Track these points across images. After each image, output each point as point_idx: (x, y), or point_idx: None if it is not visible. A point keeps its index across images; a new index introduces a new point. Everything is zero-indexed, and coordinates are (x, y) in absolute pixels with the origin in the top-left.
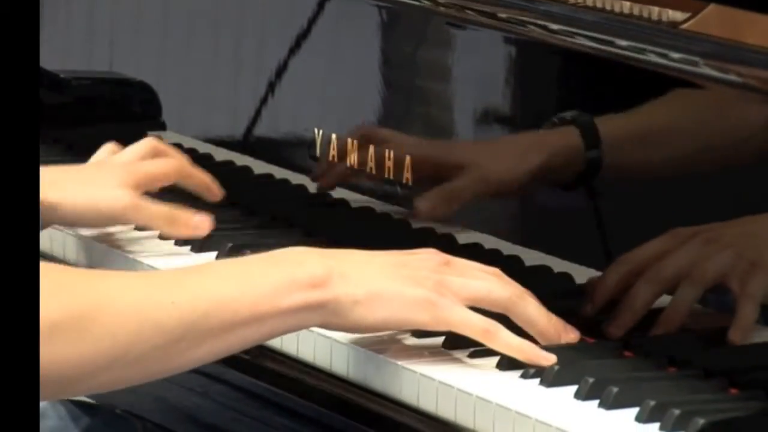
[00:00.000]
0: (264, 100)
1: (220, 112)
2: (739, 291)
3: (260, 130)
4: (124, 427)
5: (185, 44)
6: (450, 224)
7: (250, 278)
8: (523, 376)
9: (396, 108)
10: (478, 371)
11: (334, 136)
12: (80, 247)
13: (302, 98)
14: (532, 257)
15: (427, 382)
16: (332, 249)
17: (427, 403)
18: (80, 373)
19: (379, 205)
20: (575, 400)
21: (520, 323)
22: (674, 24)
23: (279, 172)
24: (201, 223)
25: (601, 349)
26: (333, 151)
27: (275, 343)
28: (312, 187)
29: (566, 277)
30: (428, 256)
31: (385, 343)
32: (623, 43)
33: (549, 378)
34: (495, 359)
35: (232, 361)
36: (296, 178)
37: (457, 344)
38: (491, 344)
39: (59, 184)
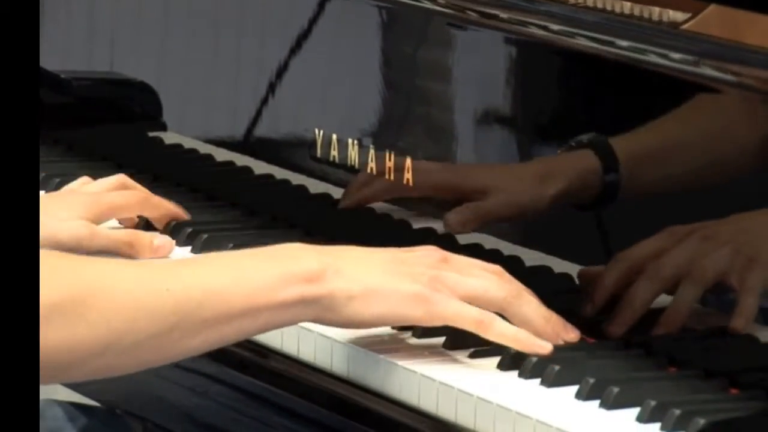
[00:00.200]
0: (264, 101)
1: (220, 113)
2: (739, 286)
3: (261, 131)
4: (123, 427)
5: (186, 44)
6: None
7: (246, 271)
8: (524, 376)
9: (396, 108)
10: (479, 371)
11: (334, 136)
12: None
13: (303, 99)
14: (532, 257)
15: (427, 383)
16: (330, 246)
17: (427, 403)
18: (75, 358)
19: (379, 206)
20: (576, 401)
21: (516, 323)
22: (675, 24)
23: (279, 173)
24: (161, 247)
25: (602, 349)
26: (334, 152)
27: (275, 343)
28: (312, 187)
29: (567, 277)
30: (426, 253)
31: (385, 343)
32: (624, 43)
33: (550, 378)
34: (496, 360)
35: (232, 361)
36: (297, 179)
37: (457, 344)
38: (486, 335)
39: None
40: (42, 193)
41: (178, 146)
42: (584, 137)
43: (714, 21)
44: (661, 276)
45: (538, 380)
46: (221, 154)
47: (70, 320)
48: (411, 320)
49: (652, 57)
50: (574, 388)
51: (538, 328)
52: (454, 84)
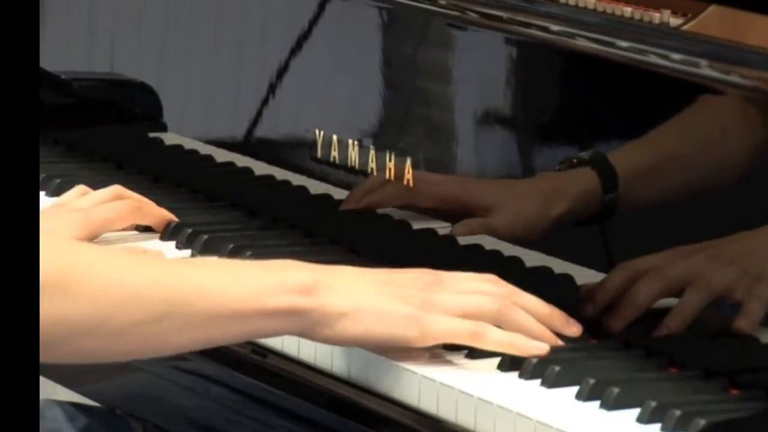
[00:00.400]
0: (265, 101)
1: (220, 113)
2: (746, 294)
3: (261, 131)
4: (123, 427)
5: (186, 45)
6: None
7: (240, 276)
8: (524, 376)
9: (397, 109)
10: (479, 372)
11: (335, 137)
12: None
13: (303, 99)
14: (532, 258)
15: (428, 384)
16: (324, 265)
17: (428, 404)
18: (59, 335)
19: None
20: (576, 401)
21: (512, 331)
22: (675, 25)
23: (280, 173)
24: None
25: (602, 349)
26: (334, 153)
27: (276, 343)
28: (313, 188)
29: (567, 278)
30: (418, 275)
31: None
32: (624, 44)
33: (550, 379)
34: (496, 360)
35: (232, 361)
36: (297, 179)
37: (458, 345)
38: (482, 345)
39: None
40: (42, 194)
41: (179, 147)
42: (584, 154)
43: (714, 22)
44: (667, 276)
45: (539, 381)
46: (221, 155)
47: (54, 295)
48: (400, 341)
49: (653, 58)
50: (575, 389)
51: (534, 334)
52: (455, 85)
